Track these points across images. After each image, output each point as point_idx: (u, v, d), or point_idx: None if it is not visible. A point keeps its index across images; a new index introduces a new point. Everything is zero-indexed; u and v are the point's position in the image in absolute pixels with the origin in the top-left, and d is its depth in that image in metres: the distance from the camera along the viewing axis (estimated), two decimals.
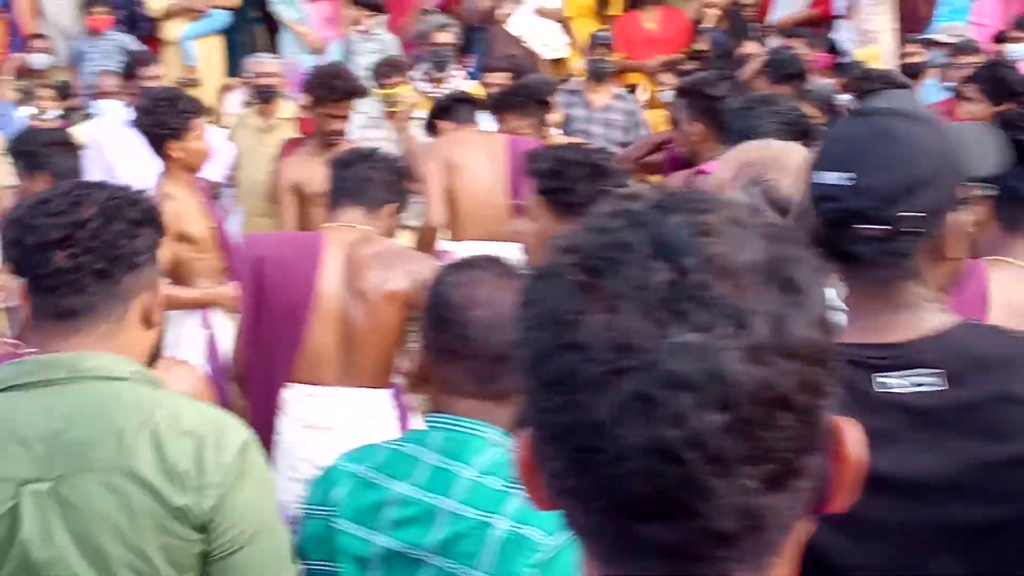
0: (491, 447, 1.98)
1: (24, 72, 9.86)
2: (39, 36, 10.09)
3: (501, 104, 6.02)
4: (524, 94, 5.97)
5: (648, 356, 0.79)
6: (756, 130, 3.92)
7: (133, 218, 1.97)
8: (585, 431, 0.81)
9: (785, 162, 2.35)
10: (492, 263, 2.09)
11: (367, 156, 4.01)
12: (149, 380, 1.96)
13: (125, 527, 1.85)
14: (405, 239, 5.87)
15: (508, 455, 1.98)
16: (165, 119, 4.65)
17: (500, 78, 6.87)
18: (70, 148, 5.24)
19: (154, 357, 2.08)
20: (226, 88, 9.42)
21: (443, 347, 2.03)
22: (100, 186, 2.05)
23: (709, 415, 0.78)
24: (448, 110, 6.05)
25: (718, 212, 0.85)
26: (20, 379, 1.91)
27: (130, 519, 1.85)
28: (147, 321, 2.00)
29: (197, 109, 4.82)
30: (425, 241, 5.55)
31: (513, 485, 1.93)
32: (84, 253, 1.92)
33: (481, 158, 5.59)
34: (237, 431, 1.96)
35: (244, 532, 1.93)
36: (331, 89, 5.56)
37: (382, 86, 6.62)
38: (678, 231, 0.83)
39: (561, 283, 0.84)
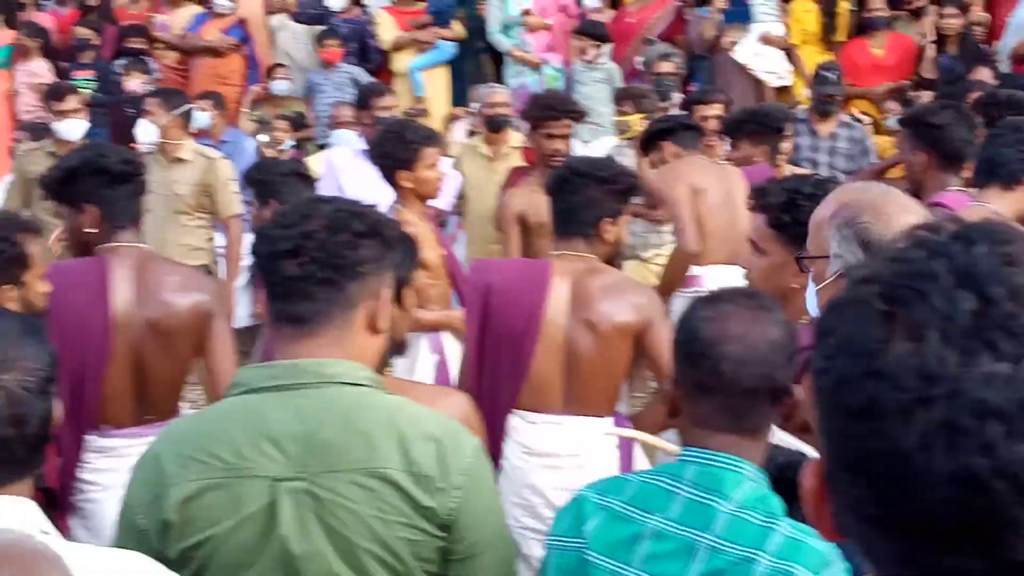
0: (747, 481, 1.96)
1: (264, 100, 10.29)
2: (279, 66, 10.50)
3: (735, 130, 5.96)
4: (760, 121, 5.90)
5: (955, 385, 0.79)
6: (1005, 158, 3.80)
7: (357, 230, 2.05)
8: (889, 459, 0.81)
9: (881, 207, 2.32)
10: (743, 297, 2.08)
11: (568, 180, 3.89)
12: (382, 385, 2.05)
13: (375, 523, 1.93)
14: (651, 273, 5.84)
15: (765, 489, 1.96)
16: (393, 150, 4.74)
17: (713, 109, 6.81)
18: (304, 179, 5.44)
19: (383, 364, 2.17)
20: (452, 118, 9.63)
21: (695, 382, 2.02)
22: (330, 200, 2.15)
23: (1020, 445, 0.78)
24: (671, 132, 6.01)
25: (1019, 242, 0.85)
26: (268, 382, 2.01)
27: (379, 516, 1.93)
28: (372, 328, 2.07)
29: (427, 139, 4.84)
30: (679, 267, 5.49)
31: (773, 520, 1.91)
32: (311, 262, 2.01)
33: (721, 183, 5.57)
34: (470, 437, 2.05)
35: (483, 536, 2.00)
36: (547, 108, 5.60)
37: (619, 114, 6.63)
38: (983, 261, 0.83)
39: (864, 312, 0.84)
